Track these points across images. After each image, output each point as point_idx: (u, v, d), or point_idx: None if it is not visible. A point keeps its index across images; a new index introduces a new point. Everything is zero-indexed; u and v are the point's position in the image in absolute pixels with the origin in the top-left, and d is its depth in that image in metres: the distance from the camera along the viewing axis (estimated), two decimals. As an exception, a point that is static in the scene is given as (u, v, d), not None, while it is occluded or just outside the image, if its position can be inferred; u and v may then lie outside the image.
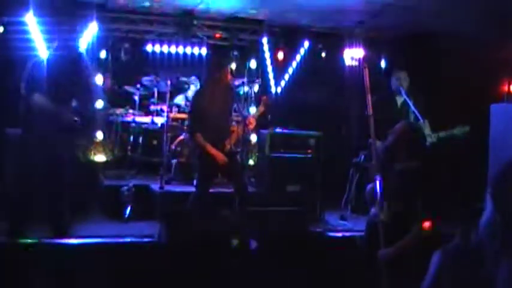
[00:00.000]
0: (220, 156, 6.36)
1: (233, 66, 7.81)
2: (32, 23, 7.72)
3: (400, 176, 4.02)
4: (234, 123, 7.32)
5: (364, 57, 9.07)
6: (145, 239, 5.67)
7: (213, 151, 6.35)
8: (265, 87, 9.83)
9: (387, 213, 4.01)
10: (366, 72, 4.56)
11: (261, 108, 6.79)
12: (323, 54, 9.93)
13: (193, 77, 9.22)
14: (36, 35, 7.74)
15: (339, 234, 6.39)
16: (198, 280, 5.15)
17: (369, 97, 4.51)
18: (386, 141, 4.20)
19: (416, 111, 6.82)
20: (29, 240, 5.47)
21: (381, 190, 3.98)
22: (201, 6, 8.42)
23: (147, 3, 8.38)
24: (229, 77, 6.74)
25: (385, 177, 4.04)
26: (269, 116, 9.08)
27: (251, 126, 6.68)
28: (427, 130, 6.65)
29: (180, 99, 9.29)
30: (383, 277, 3.94)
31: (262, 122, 8.33)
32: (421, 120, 6.77)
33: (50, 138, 5.67)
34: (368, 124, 7.18)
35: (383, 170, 4.10)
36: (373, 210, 4.19)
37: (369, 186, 4.22)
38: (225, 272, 5.30)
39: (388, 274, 3.93)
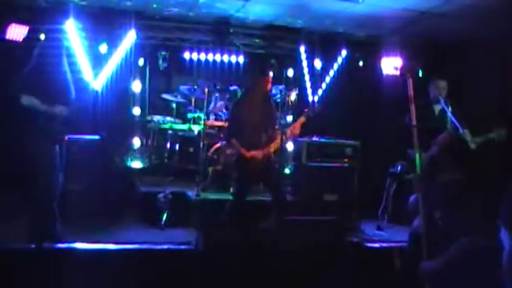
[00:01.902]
0: (257, 154, 6.37)
1: (271, 74, 7.79)
2: (71, 30, 7.86)
3: (444, 188, 3.95)
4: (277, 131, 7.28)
5: (404, 66, 8.98)
6: (183, 246, 5.66)
7: (249, 153, 6.37)
8: (302, 96, 9.79)
9: (431, 225, 3.95)
10: (410, 82, 4.50)
11: (302, 119, 6.78)
12: (360, 63, 9.89)
13: (234, 86, 9.24)
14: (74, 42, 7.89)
15: (377, 245, 6.30)
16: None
17: (413, 107, 4.45)
18: (430, 151, 4.13)
19: (454, 120, 6.72)
20: (63, 245, 5.50)
21: (424, 201, 3.92)
22: (238, 14, 8.44)
23: (184, 11, 8.43)
24: (269, 86, 6.74)
25: (428, 189, 3.98)
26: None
27: (297, 132, 6.68)
28: (468, 138, 6.54)
29: (218, 107, 9.31)
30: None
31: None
32: (460, 129, 6.66)
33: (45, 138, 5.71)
34: (406, 134, 7.15)
35: (427, 181, 4.04)
36: (416, 221, 4.12)
37: (413, 197, 4.16)
38: (261, 281, 5.28)
39: (431, 287, 3.87)
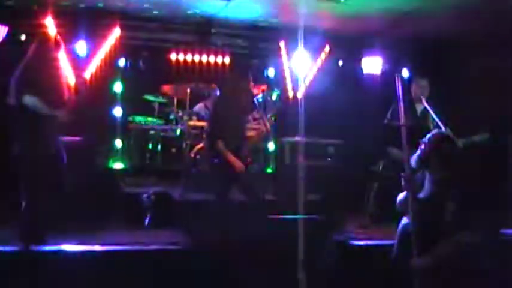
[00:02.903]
0: (239, 164, 6.37)
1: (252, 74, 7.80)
2: (51, 28, 7.80)
3: (433, 185, 4.01)
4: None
5: (389, 67, 9.08)
6: (170, 247, 5.65)
7: (233, 159, 6.37)
8: (283, 95, 9.82)
9: (419, 222, 4.00)
10: (399, 80, 4.55)
11: (270, 116, 6.83)
12: (341, 62, 9.94)
13: (213, 85, 9.22)
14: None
15: (362, 243, 6.34)
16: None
17: (401, 106, 4.49)
18: (419, 150, 4.18)
19: (437, 119, 6.79)
20: (49, 247, 5.46)
21: (412, 199, 3.96)
22: (221, 15, 8.44)
23: (166, 12, 8.41)
24: (250, 85, 6.76)
25: (417, 187, 4.03)
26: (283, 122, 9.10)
27: (267, 129, 6.71)
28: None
29: (199, 107, 9.30)
30: (415, 286, 3.92)
31: (280, 130, 8.35)
32: (442, 128, 6.73)
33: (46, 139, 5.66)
34: (386, 132, 7.22)
35: (415, 180, 4.10)
36: (404, 219, 4.17)
37: (401, 195, 4.20)
38: (247, 280, 5.29)
39: (421, 283, 3.91)
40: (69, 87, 6.11)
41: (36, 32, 7.47)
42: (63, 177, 5.80)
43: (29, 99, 5.50)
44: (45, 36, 5.97)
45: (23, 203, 5.61)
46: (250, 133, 7.16)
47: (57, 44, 5.93)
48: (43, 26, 7.90)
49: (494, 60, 8.10)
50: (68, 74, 6.01)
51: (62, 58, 6.02)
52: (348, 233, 7.10)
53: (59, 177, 5.76)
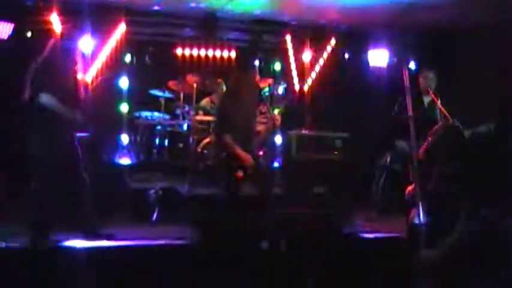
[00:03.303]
0: (248, 158, 6.35)
1: (258, 67, 7.79)
2: (57, 24, 7.81)
3: (442, 177, 3.99)
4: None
5: (396, 59, 9.05)
6: (178, 242, 5.65)
7: (242, 153, 6.34)
8: (290, 89, 9.81)
9: (428, 214, 4.00)
10: (406, 72, 4.53)
11: (283, 107, 6.80)
12: (347, 55, 9.91)
13: (219, 80, 9.21)
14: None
15: (371, 235, 6.32)
16: (229, 283, 5.16)
17: (409, 98, 4.47)
18: (426, 142, 4.16)
19: (444, 111, 6.76)
20: (56, 244, 5.48)
21: (421, 191, 3.95)
22: (226, 8, 8.42)
23: (171, 6, 8.39)
24: (256, 78, 6.74)
25: (425, 179, 4.02)
26: (291, 116, 9.09)
27: (278, 123, 6.66)
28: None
29: (205, 102, 9.29)
30: (424, 278, 3.92)
31: (288, 124, 8.33)
32: (450, 120, 6.71)
33: (59, 138, 5.65)
34: (393, 125, 7.20)
35: (423, 172, 4.09)
36: (413, 211, 4.15)
37: (410, 187, 4.19)
38: (255, 275, 5.29)
39: (431, 275, 3.91)
40: (85, 85, 6.07)
41: (52, 29, 7.52)
42: (79, 174, 5.80)
43: (45, 98, 5.48)
44: (62, 33, 5.89)
45: (35, 200, 5.61)
46: (259, 127, 7.15)
47: (73, 41, 5.90)
48: (48, 22, 7.92)
49: (503, 51, 8.05)
50: (83, 72, 5.93)
51: (79, 55, 5.97)
52: (356, 226, 7.10)
53: (75, 174, 5.76)
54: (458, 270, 3.61)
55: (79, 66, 5.88)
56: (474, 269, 2.71)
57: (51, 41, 5.79)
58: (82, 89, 5.85)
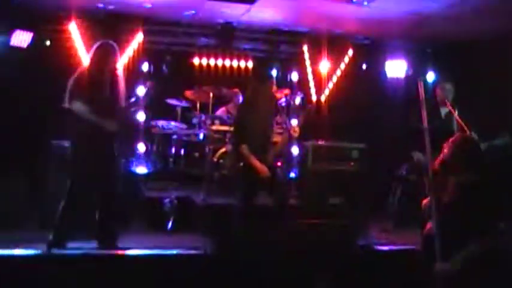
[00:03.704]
0: (264, 169, 6.33)
1: (275, 78, 7.77)
2: (75, 33, 7.88)
3: (457, 189, 3.96)
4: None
5: (414, 70, 9.01)
6: (192, 251, 5.64)
7: (258, 164, 6.32)
8: (307, 99, 9.80)
9: (443, 227, 3.96)
10: (421, 84, 4.50)
11: (302, 118, 6.77)
12: (365, 66, 9.89)
13: (235, 89, 9.22)
14: (79, 45, 7.92)
15: (386, 248, 6.27)
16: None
17: (424, 110, 4.45)
18: (442, 153, 4.13)
19: (461, 122, 6.71)
20: (73, 252, 5.49)
21: (437, 203, 3.92)
22: (243, 19, 8.44)
23: (188, 16, 8.43)
24: (273, 88, 6.73)
25: (441, 190, 3.99)
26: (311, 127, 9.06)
27: (295, 135, 6.64)
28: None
29: (222, 112, 9.30)
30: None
31: (304, 134, 8.32)
32: (467, 132, 6.65)
33: (95, 147, 5.69)
34: (410, 136, 7.16)
35: (439, 183, 4.06)
36: (429, 224, 4.12)
37: (426, 200, 4.15)
38: (268, 286, 5.27)
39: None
40: (123, 97, 6.10)
41: (71, 37, 7.60)
42: (111, 184, 5.86)
43: (76, 106, 5.59)
44: (105, 42, 5.96)
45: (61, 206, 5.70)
46: (276, 138, 7.13)
47: (114, 52, 5.96)
48: (67, 31, 7.99)
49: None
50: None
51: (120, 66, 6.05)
52: (372, 238, 7.05)
53: (107, 184, 5.81)
54: (472, 284, 3.57)
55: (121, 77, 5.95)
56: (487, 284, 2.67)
57: (94, 50, 5.87)
58: (120, 101, 5.91)
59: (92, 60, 5.85)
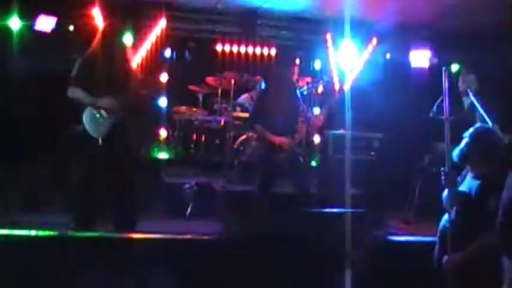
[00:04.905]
0: (283, 140, 6.34)
1: (297, 66, 7.75)
2: (98, 18, 7.90)
3: (474, 181, 3.92)
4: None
5: (438, 60, 8.90)
6: (206, 237, 5.65)
7: (275, 138, 6.34)
8: (329, 87, 9.74)
9: (458, 219, 3.94)
10: (446, 74, 4.45)
11: (326, 108, 6.75)
12: (388, 55, 9.80)
13: (258, 77, 9.20)
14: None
15: (402, 238, 6.24)
16: (258, 278, 5.14)
17: (447, 100, 4.40)
18: (461, 144, 4.09)
19: (484, 114, 6.62)
20: (92, 234, 5.54)
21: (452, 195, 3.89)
22: (266, 6, 8.40)
23: (212, 3, 8.41)
24: (295, 76, 6.72)
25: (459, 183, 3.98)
26: (331, 115, 9.02)
27: (319, 123, 6.64)
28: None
29: (244, 98, 9.30)
30: (447, 284, 3.87)
31: (326, 123, 8.29)
32: (489, 123, 6.56)
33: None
34: (432, 126, 7.08)
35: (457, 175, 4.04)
36: (446, 215, 4.08)
37: (446, 191, 4.12)
38: (284, 271, 5.27)
39: (453, 281, 3.86)
40: (133, 75, 6.08)
41: (94, 23, 7.63)
42: (124, 169, 5.86)
43: (70, 92, 5.64)
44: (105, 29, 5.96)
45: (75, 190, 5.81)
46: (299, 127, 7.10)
47: (120, 31, 5.93)
48: (90, 16, 8.02)
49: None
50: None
51: (127, 46, 6.03)
52: (389, 228, 7.01)
53: (119, 169, 5.81)
54: (480, 277, 3.55)
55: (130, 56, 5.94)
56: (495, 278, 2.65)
57: (97, 37, 5.84)
58: (129, 79, 5.88)
59: (98, 39, 5.80)
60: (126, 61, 5.88)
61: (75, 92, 5.63)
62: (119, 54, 5.78)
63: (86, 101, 5.63)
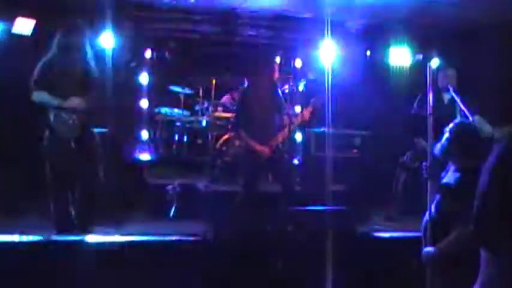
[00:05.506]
0: (264, 150, 6.35)
1: (278, 65, 7.76)
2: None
3: (455, 175, 3.95)
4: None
5: (418, 56, 8.95)
6: (190, 238, 5.64)
7: (257, 146, 6.35)
8: (310, 86, 9.75)
9: (438, 213, 3.97)
10: (429, 70, 4.48)
11: (309, 109, 6.76)
12: (369, 52, 9.82)
13: (238, 77, 9.20)
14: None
15: (387, 235, 6.27)
16: (243, 279, 5.14)
17: (430, 96, 4.43)
18: (442, 140, 4.12)
19: (464, 109, 6.66)
20: (75, 238, 5.50)
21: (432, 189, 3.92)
22: (245, 6, 8.38)
23: (191, 2, 8.37)
24: (276, 75, 6.72)
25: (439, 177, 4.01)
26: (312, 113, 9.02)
27: (299, 121, 6.66)
28: (486, 127, 6.46)
29: (226, 99, 9.29)
30: (427, 277, 3.92)
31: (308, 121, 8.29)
32: (471, 118, 6.60)
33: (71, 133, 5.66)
34: (413, 123, 7.12)
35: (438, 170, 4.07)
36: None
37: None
38: (270, 271, 5.27)
39: (432, 274, 3.92)
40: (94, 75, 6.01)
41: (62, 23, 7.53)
42: (93, 171, 5.81)
43: (36, 96, 5.56)
44: (70, 25, 5.86)
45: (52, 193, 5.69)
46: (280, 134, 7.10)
47: (81, 32, 5.84)
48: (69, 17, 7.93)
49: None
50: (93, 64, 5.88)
51: (88, 46, 5.93)
52: (373, 225, 7.04)
53: (88, 171, 5.77)
54: (459, 271, 3.58)
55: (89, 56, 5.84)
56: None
57: (56, 39, 5.75)
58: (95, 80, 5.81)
59: (56, 39, 5.72)
60: (86, 60, 5.80)
61: (41, 96, 5.54)
62: (78, 53, 5.72)
63: (53, 103, 5.55)
